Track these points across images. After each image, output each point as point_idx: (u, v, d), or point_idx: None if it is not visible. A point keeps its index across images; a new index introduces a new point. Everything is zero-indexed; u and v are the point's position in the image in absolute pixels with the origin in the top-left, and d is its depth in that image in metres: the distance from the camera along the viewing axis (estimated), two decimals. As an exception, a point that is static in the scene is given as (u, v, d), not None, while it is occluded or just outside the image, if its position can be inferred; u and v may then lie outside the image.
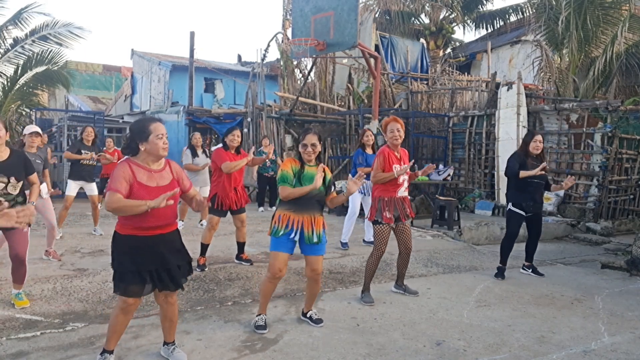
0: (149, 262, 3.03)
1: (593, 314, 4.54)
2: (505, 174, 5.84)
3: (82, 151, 7.22)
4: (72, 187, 7.23)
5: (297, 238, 3.82)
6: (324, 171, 3.87)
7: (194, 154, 8.02)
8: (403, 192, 4.73)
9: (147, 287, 3.09)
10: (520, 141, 6.37)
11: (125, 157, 3.12)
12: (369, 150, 6.83)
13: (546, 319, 4.35)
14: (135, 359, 3.33)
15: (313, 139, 3.83)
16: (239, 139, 5.78)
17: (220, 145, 5.86)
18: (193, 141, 8.13)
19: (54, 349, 3.46)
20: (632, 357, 3.60)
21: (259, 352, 3.49)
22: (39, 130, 5.84)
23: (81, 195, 7.48)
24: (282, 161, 6.27)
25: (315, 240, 3.83)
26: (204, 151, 8.17)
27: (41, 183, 5.79)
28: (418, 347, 3.67)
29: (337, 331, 3.92)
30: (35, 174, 4.32)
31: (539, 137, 5.75)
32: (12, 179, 4.03)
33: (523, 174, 5.60)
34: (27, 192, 4.37)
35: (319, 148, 3.90)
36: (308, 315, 4.11)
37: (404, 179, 4.71)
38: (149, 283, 3.06)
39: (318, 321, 4.06)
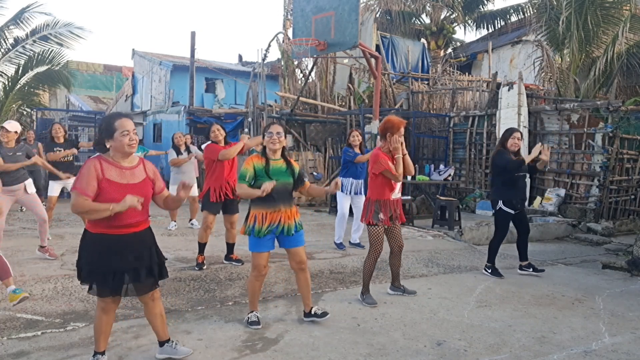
0: (116, 262, 2.96)
1: (594, 314, 4.54)
2: (506, 169, 5.64)
3: (55, 149, 7.07)
4: (55, 188, 7.16)
5: (277, 232, 3.86)
6: (290, 165, 3.92)
7: (178, 153, 8.34)
8: (396, 194, 4.75)
9: (123, 289, 3.03)
10: (522, 141, 6.34)
11: (97, 154, 3.08)
12: (356, 150, 6.92)
13: (547, 319, 4.35)
14: (136, 359, 3.34)
15: (278, 128, 3.91)
16: (219, 132, 5.83)
17: (209, 142, 5.92)
18: (175, 141, 8.39)
19: (55, 348, 3.46)
20: (632, 358, 3.59)
21: (260, 352, 3.49)
22: (6, 126, 5.79)
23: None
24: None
25: (294, 231, 3.89)
26: (187, 149, 8.45)
27: (27, 179, 5.82)
28: (419, 347, 3.67)
29: (337, 331, 3.92)
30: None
31: (517, 134, 5.74)
32: None
33: (528, 158, 5.75)
34: None
35: (283, 139, 3.91)
36: (313, 312, 4.07)
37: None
38: (117, 285, 2.99)
39: (324, 314, 4.05)
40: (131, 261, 3.00)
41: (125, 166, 3.02)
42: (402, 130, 4.62)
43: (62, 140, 7.20)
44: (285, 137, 3.98)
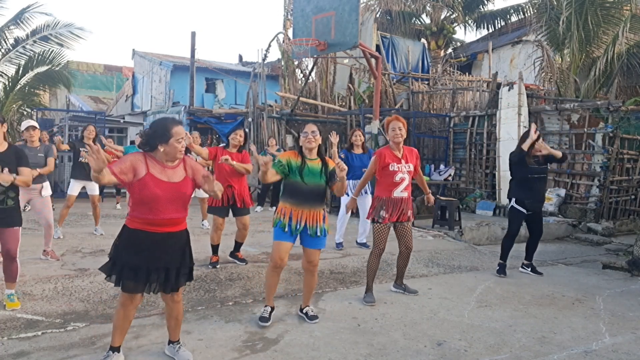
0: (149, 260, 3.04)
1: (594, 314, 4.54)
2: (511, 160, 5.80)
3: (81, 149, 7.29)
4: (75, 187, 7.27)
5: (299, 230, 3.90)
6: (325, 166, 3.93)
7: (186, 152, 8.09)
8: (400, 192, 4.67)
9: (150, 286, 3.10)
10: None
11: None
12: (357, 150, 6.89)
13: (547, 320, 4.34)
14: (137, 359, 3.34)
15: (313, 127, 3.98)
16: (241, 139, 5.82)
17: (223, 144, 5.93)
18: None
19: (55, 348, 3.46)
20: (633, 358, 3.59)
21: (260, 352, 3.49)
22: (34, 123, 5.87)
23: (82, 195, 7.50)
24: None
25: (318, 233, 3.93)
26: None
27: (45, 181, 5.80)
28: (419, 347, 3.67)
29: (338, 331, 3.92)
30: (28, 168, 4.26)
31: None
32: (6, 170, 4.05)
33: (525, 145, 5.63)
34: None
35: (319, 137, 3.96)
36: (304, 312, 4.15)
37: (401, 177, 4.66)
38: (144, 282, 3.05)
39: (313, 318, 4.08)
40: (162, 260, 3.07)
41: (169, 165, 3.12)
42: (397, 122, 4.64)
43: (91, 142, 7.33)
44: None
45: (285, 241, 3.91)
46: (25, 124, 5.90)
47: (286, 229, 3.88)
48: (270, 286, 4.04)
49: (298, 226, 3.89)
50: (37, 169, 5.43)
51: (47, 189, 5.78)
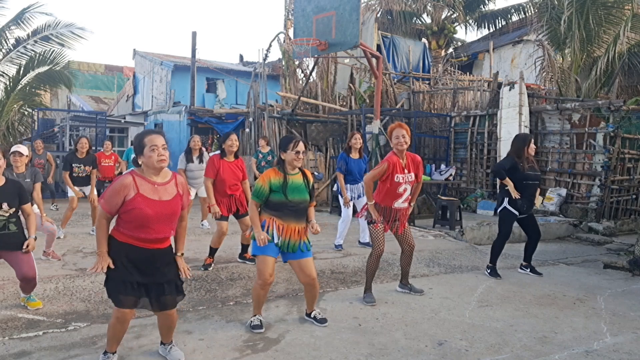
0: (142, 274, 3.02)
1: (595, 314, 4.53)
2: (492, 171, 5.79)
3: (73, 165, 7.25)
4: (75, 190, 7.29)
5: (284, 245, 3.79)
6: (306, 179, 3.90)
7: (189, 159, 7.63)
8: (401, 203, 4.66)
9: (142, 301, 3.06)
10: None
11: (130, 169, 3.13)
12: (354, 155, 6.71)
13: (548, 319, 4.34)
14: (137, 359, 3.34)
15: (302, 147, 3.86)
16: (237, 143, 5.72)
17: (218, 152, 5.83)
18: (191, 144, 7.68)
19: (57, 348, 3.47)
20: (634, 358, 3.59)
21: (261, 352, 3.50)
22: (21, 150, 5.62)
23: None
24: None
25: (301, 248, 3.83)
26: (200, 156, 7.74)
27: (31, 199, 5.64)
28: (420, 347, 3.67)
29: (339, 331, 3.92)
30: (29, 204, 4.21)
31: (532, 139, 5.81)
32: (5, 205, 3.98)
33: (508, 182, 5.61)
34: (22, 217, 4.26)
35: (305, 156, 3.92)
36: (312, 316, 4.10)
37: (404, 188, 4.63)
38: (142, 296, 3.04)
39: (322, 321, 4.05)
40: (151, 275, 3.05)
41: (158, 182, 3.05)
42: (401, 130, 4.61)
43: (84, 154, 7.37)
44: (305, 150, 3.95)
45: (270, 255, 3.76)
46: (13, 148, 5.67)
47: (274, 240, 3.75)
48: (259, 300, 3.90)
49: (283, 240, 3.77)
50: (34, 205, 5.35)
51: (34, 206, 5.56)
